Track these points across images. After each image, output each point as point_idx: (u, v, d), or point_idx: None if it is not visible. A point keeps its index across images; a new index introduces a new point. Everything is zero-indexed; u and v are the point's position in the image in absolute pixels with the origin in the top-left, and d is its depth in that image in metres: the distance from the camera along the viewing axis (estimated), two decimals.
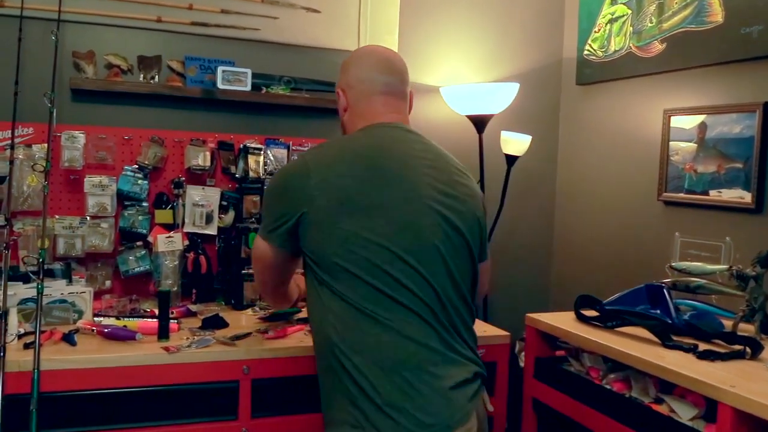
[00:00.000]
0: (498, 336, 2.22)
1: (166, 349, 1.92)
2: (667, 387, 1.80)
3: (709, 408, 1.67)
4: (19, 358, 1.78)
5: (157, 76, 2.47)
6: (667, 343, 1.86)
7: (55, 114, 2.15)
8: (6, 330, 1.82)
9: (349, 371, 1.45)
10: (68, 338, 1.95)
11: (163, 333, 2.00)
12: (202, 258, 2.43)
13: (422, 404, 1.42)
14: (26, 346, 1.87)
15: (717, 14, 2.31)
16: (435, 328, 1.48)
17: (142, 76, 2.46)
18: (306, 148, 2.62)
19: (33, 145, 2.28)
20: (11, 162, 2.01)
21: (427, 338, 1.47)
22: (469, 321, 1.59)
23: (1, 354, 1.75)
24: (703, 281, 2.11)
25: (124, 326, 2.05)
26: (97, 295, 2.26)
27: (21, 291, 2.04)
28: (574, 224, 3.10)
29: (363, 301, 1.45)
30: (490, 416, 1.66)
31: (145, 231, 2.41)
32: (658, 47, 2.56)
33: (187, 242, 2.43)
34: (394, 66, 1.69)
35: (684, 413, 1.70)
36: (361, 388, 1.43)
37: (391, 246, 1.46)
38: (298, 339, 2.09)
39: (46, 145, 2.28)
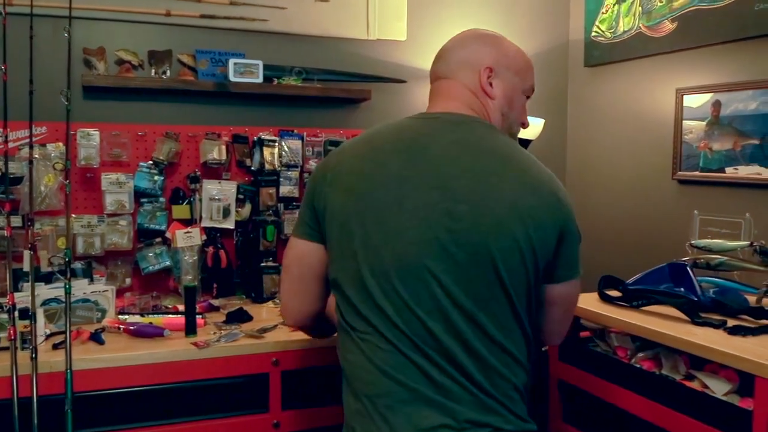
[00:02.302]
0: None
1: (195, 344, 1.92)
2: (697, 364, 1.82)
3: (743, 382, 1.68)
4: (49, 359, 1.78)
5: (168, 71, 2.45)
6: (696, 320, 1.87)
7: (69, 112, 2.12)
8: (35, 332, 1.80)
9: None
10: (96, 337, 1.95)
11: (190, 328, 2.00)
12: (222, 252, 2.42)
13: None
14: (55, 347, 1.87)
15: None
16: (413, 360, 1.24)
17: (153, 71, 2.44)
18: (320, 139, 2.62)
19: (47, 144, 2.27)
20: (30, 162, 1.99)
21: (400, 371, 1.25)
22: (489, 359, 1.25)
23: (34, 355, 1.73)
24: (725, 258, 2.12)
25: (150, 323, 2.05)
26: (118, 293, 2.25)
27: (44, 291, 2.03)
28: (585, 206, 3.10)
29: (345, 314, 1.33)
30: None
31: (163, 227, 2.40)
32: (668, 26, 2.56)
33: (204, 237, 2.42)
34: (443, 50, 1.47)
35: (718, 388, 1.71)
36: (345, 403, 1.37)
37: (373, 258, 1.27)
38: None
39: (60, 144, 2.28)
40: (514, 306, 1.28)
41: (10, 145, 2.15)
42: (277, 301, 2.42)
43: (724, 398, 1.69)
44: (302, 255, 1.41)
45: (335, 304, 1.39)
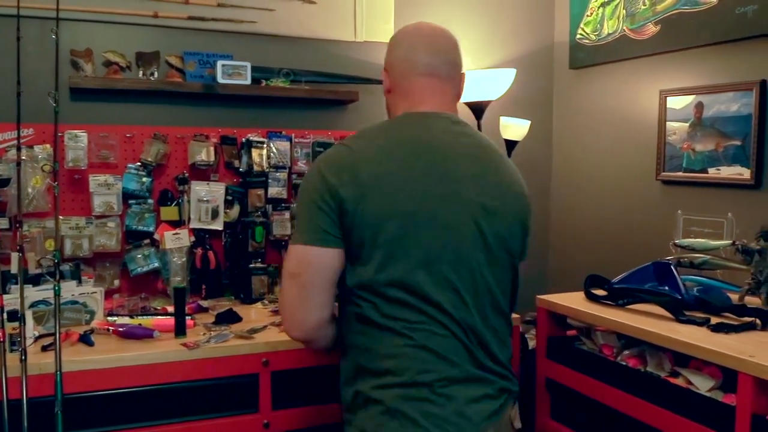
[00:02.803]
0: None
1: (185, 345, 1.92)
2: (681, 361, 1.85)
3: (726, 379, 1.72)
4: (39, 361, 1.77)
5: (156, 72, 2.45)
6: (680, 318, 1.90)
7: (57, 114, 2.12)
8: (25, 333, 1.80)
9: (365, 375, 1.41)
10: (85, 339, 1.94)
11: (180, 329, 2.01)
12: (211, 253, 2.43)
13: (431, 412, 1.34)
14: (44, 348, 1.87)
15: None
16: (462, 342, 1.38)
17: (141, 72, 2.44)
18: (308, 140, 2.62)
19: (35, 146, 2.26)
20: (18, 164, 1.98)
21: (452, 352, 1.37)
22: (502, 334, 1.46)
23: (23, 357, 1.73)
24: (708, 257, 2.16)
25: (139, 324, 2.05)
26: (107, 295, 2.25)
27: (32, 293, 2.02)
28: (570, 207, 3.14)
29: (384, 310, 1.37)
30: None
31: (151, 229, 2.39)
32: (652, 29, 2.60)
33: (193, 238, 2.42)
34: (439, 46, 1.53)
35: (702, 385, 1.75)
36: (371, 396, 1.39)
37: (424, 252, 1.35)
38: None
39: (47, 145, 2.27)
40: (516, 286, 1.52)
41: None
42: (266, 302, 2.43)
43: (707, 394, 1.73)
44: (315, 262, 1.38)
45: (352, 308, 1.41)
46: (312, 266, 1.39)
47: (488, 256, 1.41)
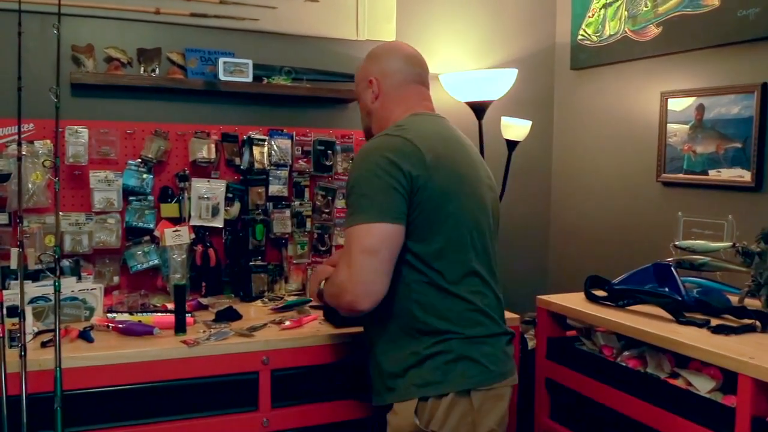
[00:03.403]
0: (509, 318, 2.25)
1: (185, 342, 1.92)
2: (681, 362, 1.86)
3: (726, 380, 1.72)
4: (38, 357, 1.77)
5: (157, 69, 2.45)
6: (680, 320, 1.91)
7: (58, 109, 2.11)
8: (24, 329, 1.79)
9: (426, 336, 1.62)
10: (85, 335, 1.94)
11: (180, 327, 2.00)
12: (211, 251, 2.42)
13: (489, 354, 1.64)
14: (44, 345, 1.86)
15: None
16: (496, 294, 1.72)
17: (142, 69, 2.43)
18: (310, 139, 2.62)
19: (35, 142, 2.25)
20: (19, 159, 1.98)
21: (493, 310, 1.69)
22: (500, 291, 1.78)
23: (23, 353, 1.73)
24: (708, 258, 2.17)
25: (139, 321, 2.04)
26: (106, 292, 2.24)
27: (31, 289, 2.01)
28: (571, 207, 3.14)
29: (450, 278, 1.62)
30: None
31: (151, 225, 2.39)
32: (653, 31, 2.60)
33: (193, 235, 2.42)
34: (421, 60, 1.87)
35: (702, 386, 1.75)
36: (435, 352, 1.61)
37: (472, 224, 1.66)
38: (315, 328, 2.10)
39: (48, 141, 2.26)
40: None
41: None
42: (266, 300, 2.43)
43: (707, 396, 1.73)
44: (392, 237, 1.57)
45: (416, 275, 1.62)
46: (391, 242, 1.57)
47: (493, 228, 1.76)
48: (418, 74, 1.84)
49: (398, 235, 1.57)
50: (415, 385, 1.62)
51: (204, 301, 2.34)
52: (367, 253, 1.55)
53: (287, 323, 2.10)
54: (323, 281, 1.79)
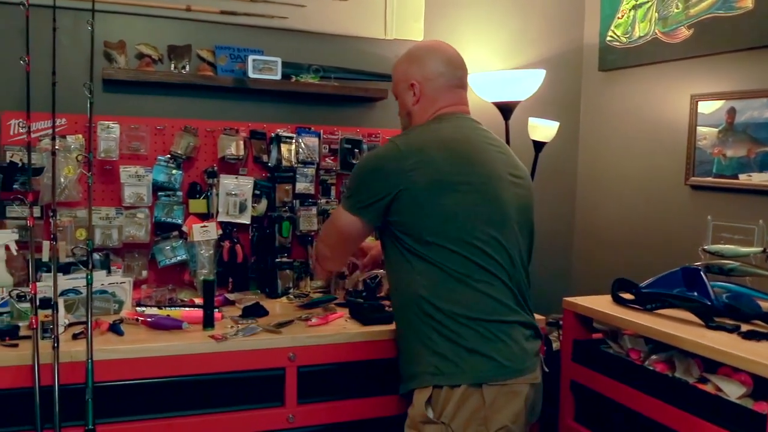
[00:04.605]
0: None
1: (214, 337, 1.94)
2: (711, 367, 1.84)
3: (757, 386, 1.70)
4: (70, 349, 1.79)
5: (187, 66, 2.47)
6: (710, 324, 1.89)
7: (92, 105, 2.14)
8: (57, 321, 1.82)
9: (437, 320, 1.66)
10: (115, 328, 1.96)
11: (208, 322, 2.02)
12: (238, 247, 2.44)
13: (502, 350, 1.66)
14: (75, 337, 1.88)
15: (746, 0, 2.33)
16: (511, 290, 1.72)
17: (173, 65, 2.45)
18: (337, 137, 2.63)
19: (67, 136, 2.28)
20: (53, 153, 2.00)
21: (506, 298, 1.70)
22: (528, 286, 1.81)
23: (55, 345, 1.75)
24: (738, 263, 2.15)
25: (168, 315, 2.06)
26: (134, 285, 2.26)
27: (62, 282, 2.04)
28: (596, 209, 3.13)
29: (454, 266, 1.66)
30: None
31: (179, 221, 2.41)
32: (684, 33, 2.58)
33: (220, 231, 2.43)
34: (462, 61, 1.89)
35: (732, 392, 1.73)
36: (446, 336, 1.65)
37: (479, 219, 1.68)
38: (340, 326, 2.11)
39: (80, 135, 2.30)
40: (531, 250, 1.89)
41: (31, 136, 2.16)
42: (291, 296, 2.45)
43: (737, 402, 1.71)
44: (360, 230, 1.82)
45: (415, 266, 1.71)
46: (359, 233, 1.85)
47: (517, 221, 1.76)
48: (459, 78, 1.86)
49: (365, 230, 1.81)
50: (429, 373, 1.67)
51: (231, 296, 2.36)
52: (343, 240, 1.87)
53: (314, 320, 2.11)
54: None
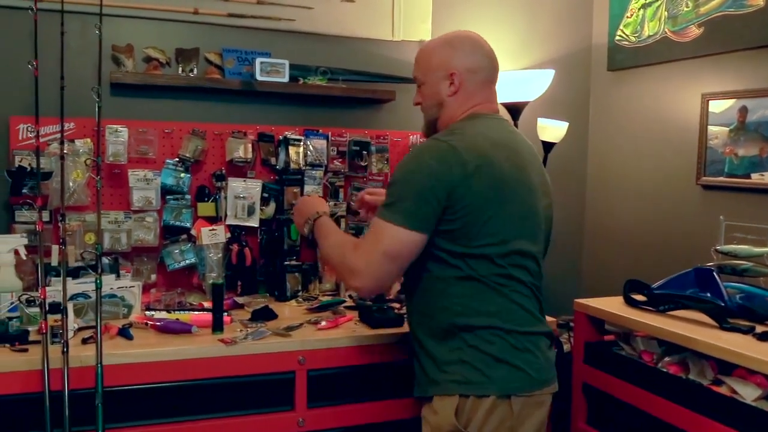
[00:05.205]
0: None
1: (223, 341, 1.93)
2: (725, 369, 1.82)
3: None
4: (79, 354, 1.79)
5: (195, 69, 2.47)
6: (724, 326, 1.87)
7: (100, 109, 2.14)
8: (67, 326, 1.81)
9: (468, 331, 1.61)
10: (124, 333, 1.96)
11: (217, 325, 2.01)
12: (246, 250, 2.43)
13: (531, 361, 1.63)
14: (84, 341, 1.88)
15: None
16: (538, 300, 1.70)
17: (180, 68, 2.45)
18: (345, 139, 2.62)
19: (75, 140, 2.28)
20: (62, 157, 2.00)
21: (535, 309, 1.68)
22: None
23: (65, 350, 1.74)
24: (751, 264, 2.12)
25: (177, 320, 2.05)
26: (143, 289, 2.26)
27: (71, 286, 2.03)
28: (606, 210, 3.10)
29: (493, 277, 1.61)
30: None
31: (188, 224, 2.41)
32: (695, 32, 2.56)
33: (229, 235, 2.43)
34: (494, 55, 1.77)
35: (747, 394, 1.71)
36: (474, 346, 1.60)
37: (521, 229, 1.64)
38: (350, 329, 2.10)
39: (88, 139, 2.30)
40: (545, 253, 1.81)
41: (40, 140, 2.16)
42: (300, 299, 2.44)
43: (753, 404, 1.69)
44: (412, 245, 1.60)
45: (446, 274, 1.63)
46: (410, 250, 1.60)
47: (541, 230, 1.71)
48: (495, 74, 1.77)
49: (419, 244, 1.59)
50: (456, 381, 1.61)
51: (239, 300, 2.35)
52: (388, 257, 1.58)
53: (323, 323, 2.10)
54: (316, 219, 1.83)
